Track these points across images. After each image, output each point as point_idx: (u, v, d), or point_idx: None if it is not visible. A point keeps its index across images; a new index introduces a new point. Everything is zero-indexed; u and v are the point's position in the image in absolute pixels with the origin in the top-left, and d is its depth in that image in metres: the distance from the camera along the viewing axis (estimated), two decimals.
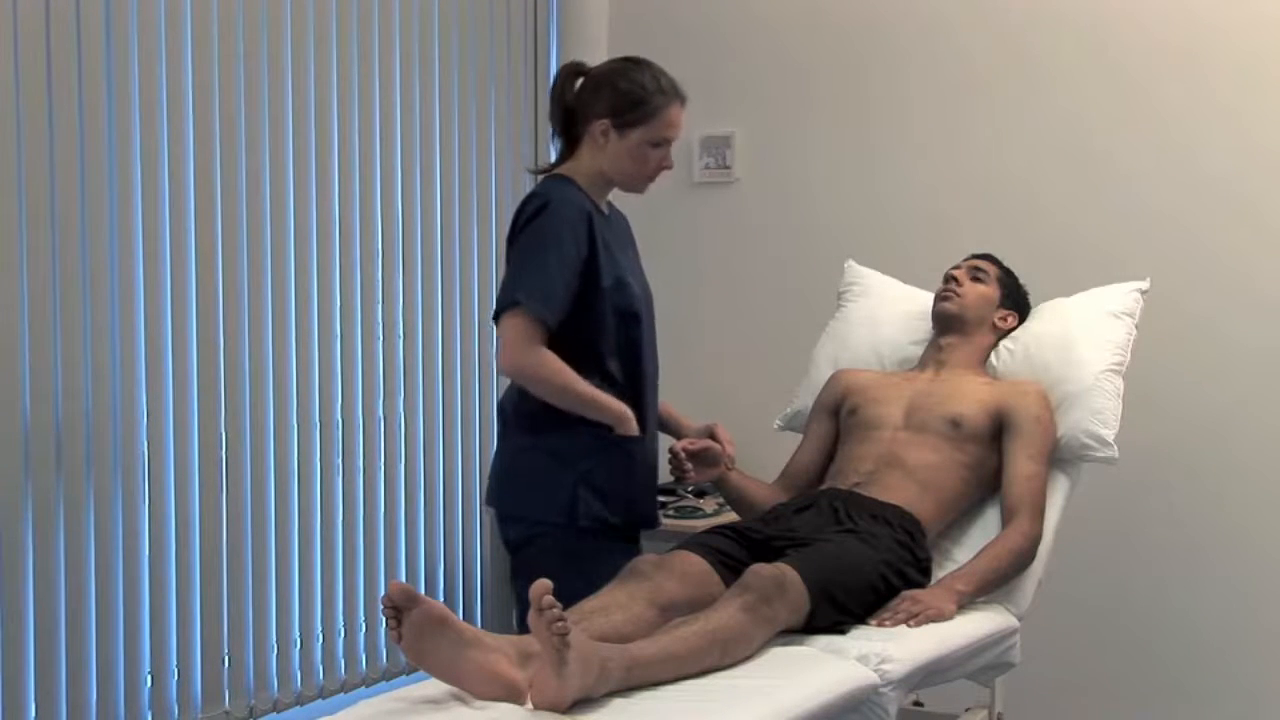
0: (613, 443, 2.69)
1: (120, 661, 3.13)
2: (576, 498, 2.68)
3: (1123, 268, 3.28)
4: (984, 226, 3.71)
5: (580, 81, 2.75)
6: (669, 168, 2.77)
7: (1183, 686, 3.57)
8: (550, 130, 2.82)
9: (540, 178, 2.80)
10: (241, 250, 3.34)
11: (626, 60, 2.78)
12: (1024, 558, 2.78)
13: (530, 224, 2.65)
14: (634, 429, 2.71)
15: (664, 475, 3.91)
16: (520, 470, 2.76)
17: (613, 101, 2.69)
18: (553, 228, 2.63)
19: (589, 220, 2.67)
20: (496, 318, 2.64)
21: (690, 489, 3.87)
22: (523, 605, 2.67)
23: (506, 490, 2.79)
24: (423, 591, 2.36)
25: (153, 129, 3.14)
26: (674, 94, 2.73)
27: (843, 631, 2.47)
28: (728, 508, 3.70)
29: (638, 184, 2.78)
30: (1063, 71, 3.69)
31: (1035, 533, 2.81)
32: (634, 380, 2.77)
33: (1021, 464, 2.87)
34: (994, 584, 2.75)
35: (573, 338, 2.65)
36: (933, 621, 2.57)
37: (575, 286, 2.64)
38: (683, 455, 2.81)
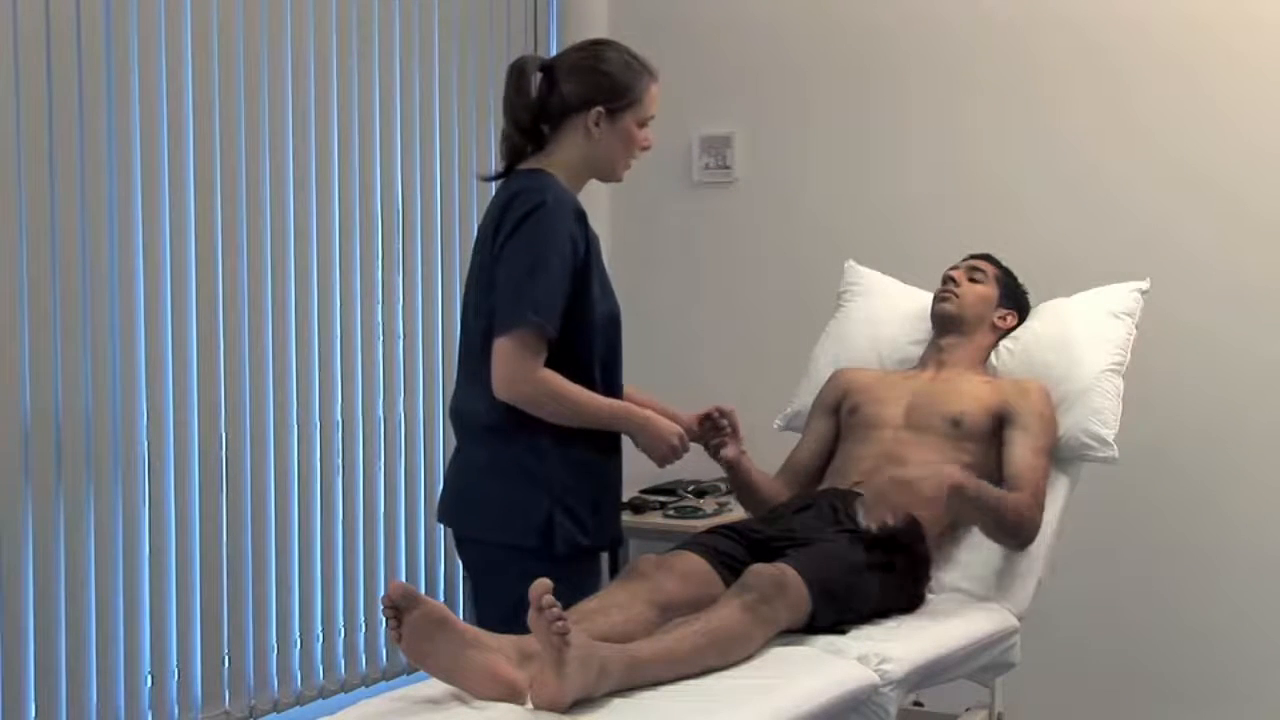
0: (587, 460, 2.57)
1: (120, 661, 3.13)
2: (552, 522, 2.51)
3: (1122, 269, 3.27)
4: (983, 226, 3.71)
5: (542, 76, 2.59)
6: (649, 147, 2.65)
7: (1182, 686, 3.57)
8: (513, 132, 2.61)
9: (495, 182, 2.64)
10: (241, 251, 3.34)
11: (593, 44, 2.67)
12: (1024, 520, 2.76)
13: (525, 225, 2.47)
14: (661, 433, 2.58)
15: (664, 476, 3.93)
16: (484, 489, 2.57)
17: (603, 87, 2.56)
18: (553, 231, 2.47)
19: (584, 219, 2.55)
20: (497, 335, 2.46)
21: (690, 489, 3.87)
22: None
23: (468, 510, 2.61)
24: (423, 592, 2.35)
25: (153, 129, 3.15)
26: (650, 71, 2.62)
27: (843, 631, 2.47)
28: (728, 507, 3.71)
29: (620, 171, 2.65)
30: (1062, 73, 3.69)
31: (1036, 512, 2.79)
32: (612, 388, 2.63)
33: (1024, 452, 2.85)
34: (988, 510, 2.70)
35: (562, 345, 2.50)
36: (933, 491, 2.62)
37: (569, 292, 2.50)
38: (717, 415, 2.74)
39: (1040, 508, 2.82)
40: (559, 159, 2.59)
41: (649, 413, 2.60)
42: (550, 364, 2.49)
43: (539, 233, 2.47)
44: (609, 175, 2.66)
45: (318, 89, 3.51)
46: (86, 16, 3.00)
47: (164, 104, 3.16)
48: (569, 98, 2.57)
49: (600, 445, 2.61)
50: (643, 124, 2.62)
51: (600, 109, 2.56)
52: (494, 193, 2.67)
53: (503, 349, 2.46)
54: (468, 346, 2.64)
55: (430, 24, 3.83)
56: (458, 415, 2.66)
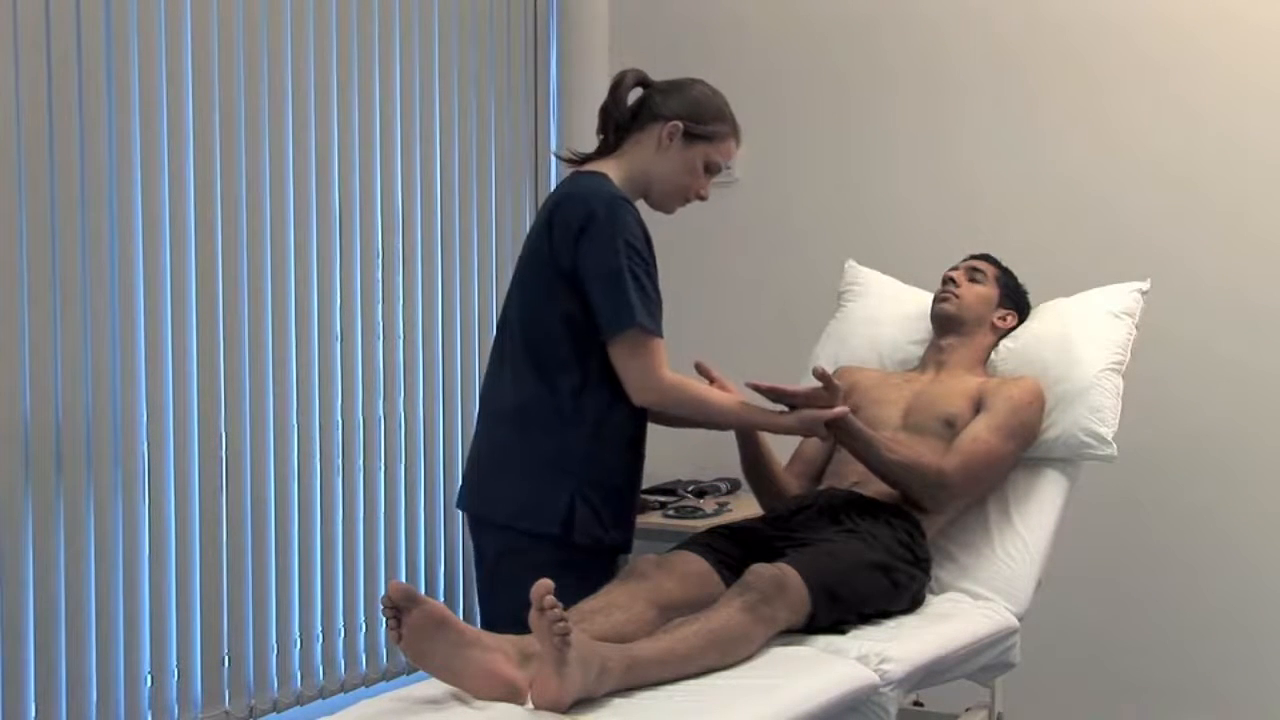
0: (613, 457, 2.61)
1: (120, 661, 3.13)
2: (574, 512, 2.55)
3: (1116, 273, 3.27)
4: (983, 227, 3.71)
5: (639, 90, 2.68)
6: (705, 197, 2.72)
7: (1182, 686, 3.57)
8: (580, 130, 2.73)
9: (569, 168, 2.70)
10: (241, 250, 3.34)
11: (700, 80, 2.73)
12: (925, 477, 2.75)
13: (611, 228, 2.51)
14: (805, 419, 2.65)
15: (665, 476, 3.93)
16: (511, 475, 2.62)
17: (692, 107, 2.64)
18: (640, 238, 2.54)
19: (640, 219, 2.60)
20: (615, 334, 2.52)
21: (690, 489, 3.87)
22: (490, 620, 2.61)
23: (491, 495, 2.65)
24: (423, 592, 2.35)
25: (153, 129, 3.15)
26: (738, 129, 2.71)
27: (843, 631, 2.47)
28: (728, 507, 3.71)
29: (674, 202, 2.71)
30: (1062, 79, 3.69)
31: (949, 477, 2.78)
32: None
33: (974, 428, 2.85)
34: (871, 452, 2.71)
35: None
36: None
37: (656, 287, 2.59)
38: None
39: (965, 479, 2.80)
40: (624, 164, 2.66)
41: (770, 411, 2.67)
42: (609, 372, 2.55)
43: (631, 238, 2.53)
44: (662, 199, 2.71)
45: (318, 89, 3.51)
46: (87, 16, 3.00)
47: (164, 104, 3.16)
48: (658, 106, 2.65)
49: (627, 444, 2.64)
50: (710, 169, 2.69)
51: (680, 124, 2.63)
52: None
53: (644, 350, 2.52)
54: (506, 334, 2.68)
55: (430, 24, 3.83)
56: (487, 401, 2.70)
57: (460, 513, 3.80)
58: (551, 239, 2.56)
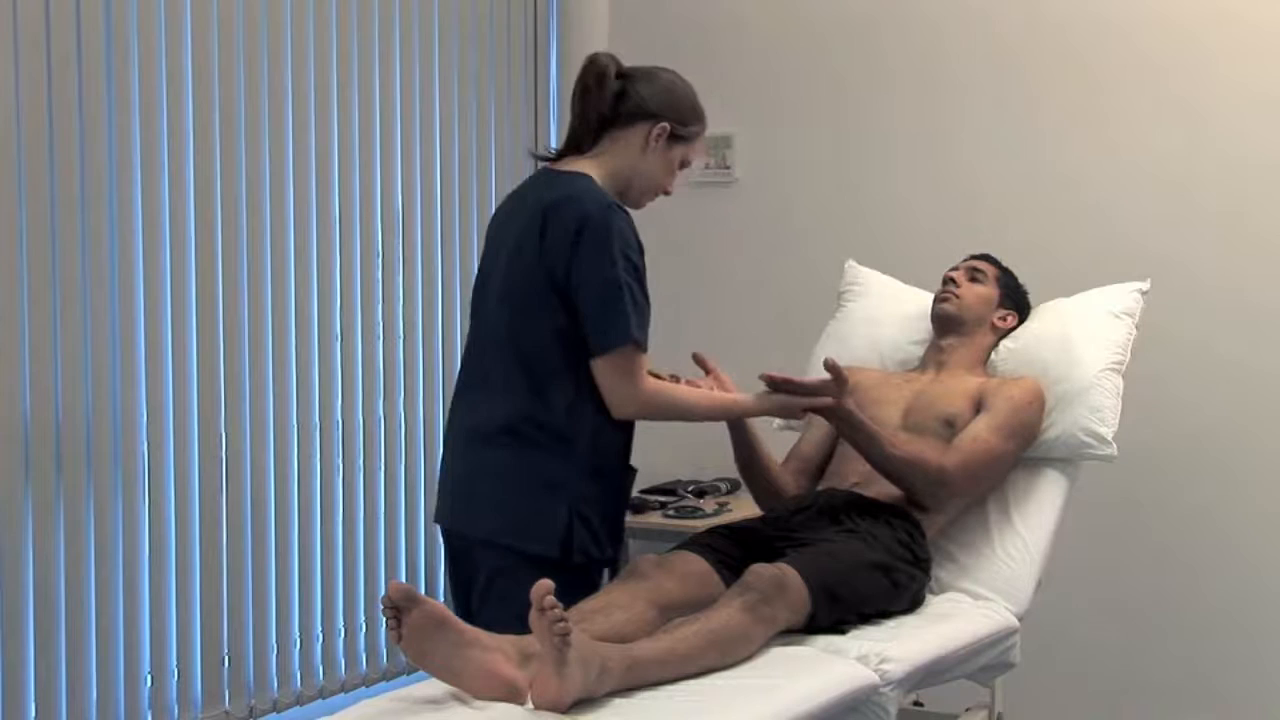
0: (607, 469, 2.56)
1: (120, 661, 3.13)
2: (572, 531, 2.48)
3: (1121, 271, 3.27)
4: (983, 227, 3.71)
5: (618, 81, 2.57)
6: (670, 193, 2.66)
7: (1182, 686, 3.57)
8: (554, 123, 2.69)
9: (542, 164, 2.63)
10: (241, 250, 3.34)
11: (667, 69, 2.64)
12: (926, 474, 2.75)
13: (609, 237, 2.44)
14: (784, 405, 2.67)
15: (665, 476, 3.93)
16: (502, 493, 2.53)
17: (677, 108, 2.57)
18: (634, 246, 2.49)
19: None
20: (607, 350, 2.46)
21: (690, 489, 3.87)
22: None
23: (480, 515, 2.55)
24: (423, 592, 2.35)
25: (153, 129, 3.15)
26: (705, 122, 2.65)
27: (843, 632, 2.47)
28: (728, 508, 3.71)
29: (647, 199, 2.64)
30: (1065, 80, 3.69)
31: (950, 474, 2.77)
32: None
33: (974, 427, 2.85)
34: (869, 442, 2.71)
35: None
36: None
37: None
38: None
39: (966, 475, 2.80)
40: (606, 163, 2.57)
41: (744, 397, 2.69)
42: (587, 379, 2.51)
43: (627, 248, 2.47)
44: (638, 196, 2.63)
45: (318, 88, 3.51)
46: (87, 16, 3.00)
47: (164, 104, 3.16)
48: (646, 102, 2.56)
49: (619, 454, 2.61)
50: (682, 166, 2.64)
51: (667, 125, 2.56)
52: (523, 185, 2.66)
53: (624, 364, 2.47)
54: (483, 348, 2.61)
55: (430, 23, 3.83)
56: (466, 416, 2.62)
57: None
58: (543, 245, 2.48)
